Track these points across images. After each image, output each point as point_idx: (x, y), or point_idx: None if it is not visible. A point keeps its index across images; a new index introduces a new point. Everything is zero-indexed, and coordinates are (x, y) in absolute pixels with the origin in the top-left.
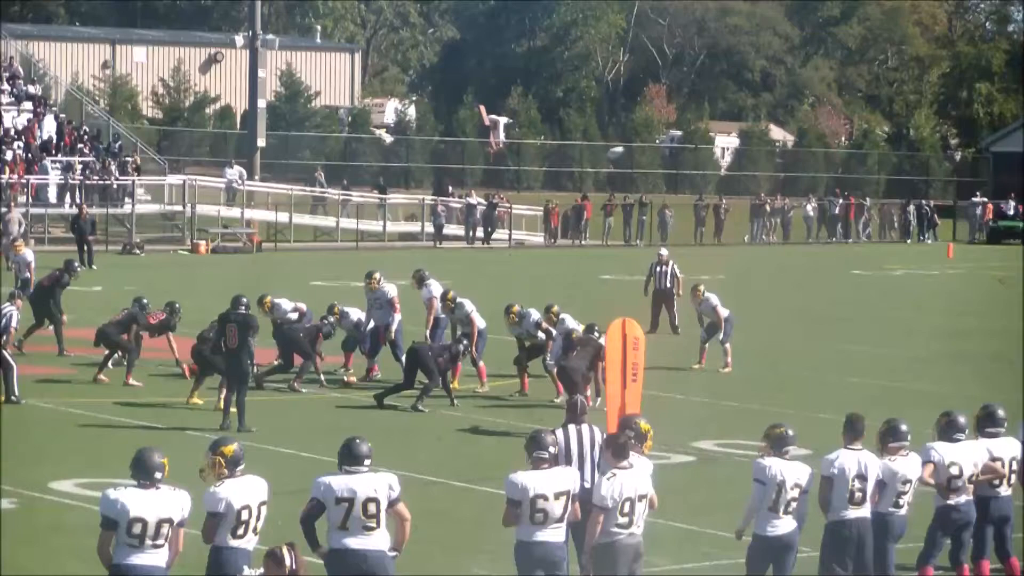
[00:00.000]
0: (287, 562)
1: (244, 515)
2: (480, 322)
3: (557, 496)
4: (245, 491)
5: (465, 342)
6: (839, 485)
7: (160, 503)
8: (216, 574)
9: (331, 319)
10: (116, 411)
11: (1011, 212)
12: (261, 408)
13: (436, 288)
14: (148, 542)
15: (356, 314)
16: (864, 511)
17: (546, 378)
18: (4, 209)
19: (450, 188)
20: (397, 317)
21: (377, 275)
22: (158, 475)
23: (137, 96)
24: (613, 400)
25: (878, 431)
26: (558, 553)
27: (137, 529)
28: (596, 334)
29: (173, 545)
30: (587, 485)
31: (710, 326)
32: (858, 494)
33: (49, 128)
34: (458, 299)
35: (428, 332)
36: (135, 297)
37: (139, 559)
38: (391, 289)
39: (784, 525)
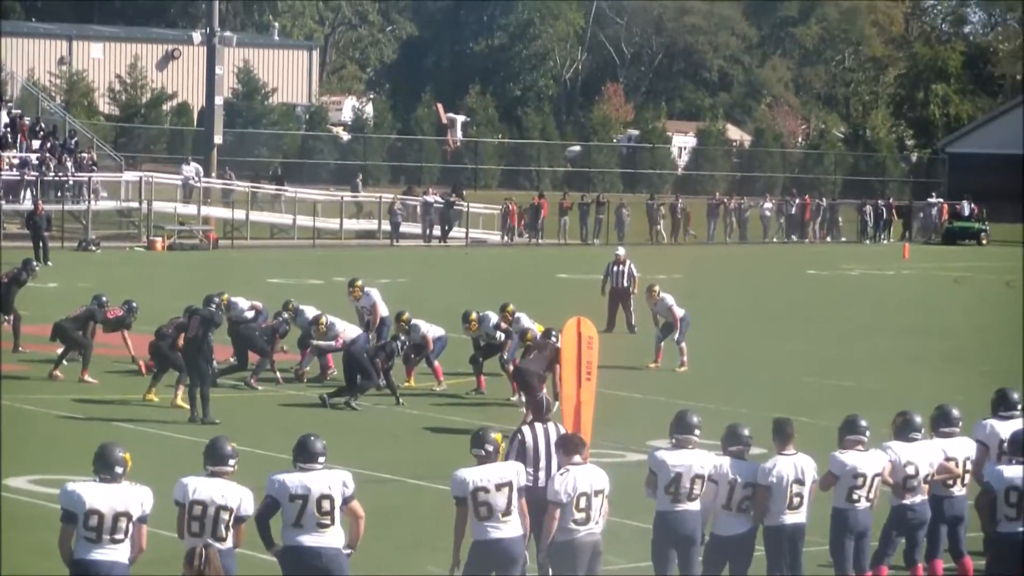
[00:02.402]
0: (194, 562)
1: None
2: (436, 333)
3: (499, 487)
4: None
5: (402, 338)
6: (777, 493)
7: (118, 497)
8: None
9: (285, 315)
10: (71, 407)
11: (966, 213)
12: (217, 405)
13: (376, 294)
14: (106, 536)
15: (311, 312)
16: (800, 516)
17: (502, 376)
18: None
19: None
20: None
21: (359, 283)
22: (119, 469)
23: (93, 92)
24: (568, 399)
25: (840, 426)
26: (514, 549)
27: (93, 522)
28: (554, 338)
29: (136, 541)
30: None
31: (665, 326)
32: (796, 499)
33: (2, 123)
34: (412, 321)
35: (374, 333)
36: (95, 295)
37: (98, 554)
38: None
39: (739, 524)
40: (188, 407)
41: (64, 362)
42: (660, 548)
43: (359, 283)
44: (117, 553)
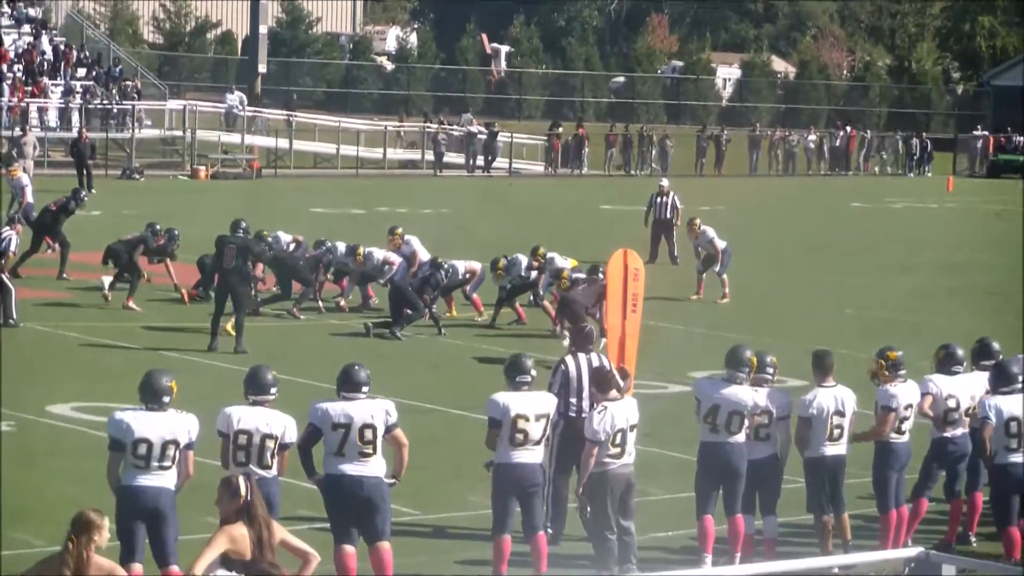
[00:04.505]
0: (242, 491)
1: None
2: (475, 267)
3: (538, 418)
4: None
5: (445, 266)
6: (818, 425)
7: (166, 425)
8: None
9: (328, 244)
10: (114, 334)
11: (1013, 146)
12: (260, 334)
13: (416, 241)
14: (154, 463)
15: (342, 246)
16: (841, 448)
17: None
18: (19, 132)
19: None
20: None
21: (400, 230)
22: (165, 398)
23: (138, 20)
24: (613, 331)
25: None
26: (535, 475)
27: (142, 450)
28: (601, 275)
29: (183, 468)
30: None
31: (707, 258)
32: (836, 431)
33: (46, 51)
34: (446, 263)
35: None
36: (149, 222)
37: (146, 480)
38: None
39: (759, 450)
40: (232, 333)
41: (106, 289)
42: (703, 479)
43: (399, 231)
44: (164, 479)
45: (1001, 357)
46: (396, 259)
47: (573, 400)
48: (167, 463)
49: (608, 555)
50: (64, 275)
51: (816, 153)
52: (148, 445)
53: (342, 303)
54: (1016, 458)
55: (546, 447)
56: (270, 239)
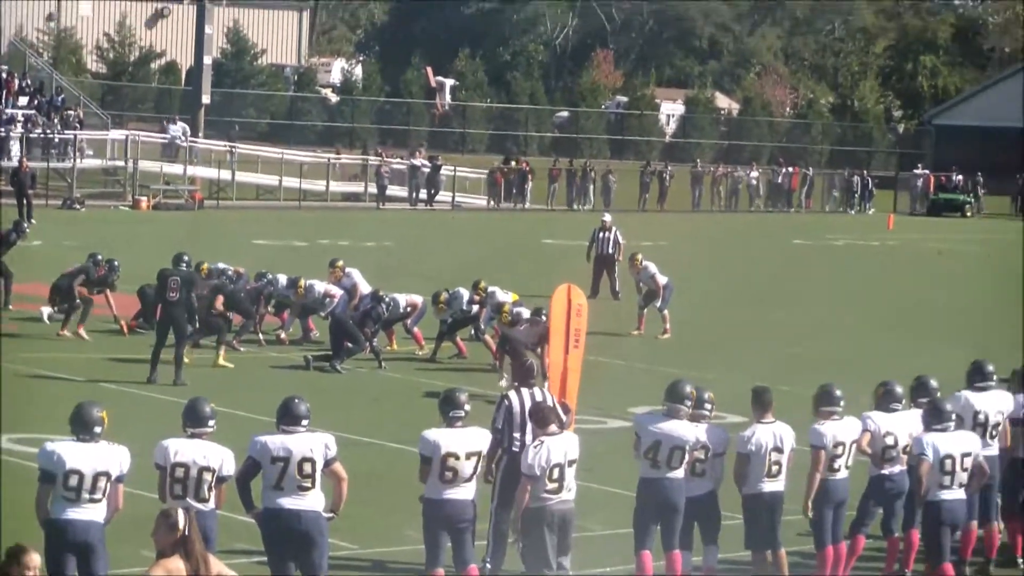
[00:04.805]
0: (180, 524)
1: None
2: (417, 301)
3: (468, 456)
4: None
5: (386, 299)
6: (756, 461)
7: (97, 457)
8: None
9: (270, 276)
10: (52, 365)
11: (953, 185)
12: (200, 366)
13: (357, 274)
14: (85, 495)
15: (283, 278)
16: (779, 484)
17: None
18: None
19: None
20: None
21: (340, 263)
22: (97, 429)
23: (81, 50)
24: (555, 367)
25: (813, 396)
26: (466, 511)
27: (73, 482)
28: (543, 317)
29: (112, 501)
30: None
31: (648, 293)
32: (774, 467)
33: None
34: (387, 297)
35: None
36: (91, 253)
37: (75, 513)
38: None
39: (697, 487)
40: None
41: (47, 319)
42: (641, 515)
43: (340, 263)
44: (94, 512)
45: (938, 395)
46: (337, 292)
47: (517, 435)
48: (98, 495)
49: None
50: (9, 306)
51: (757, 189)
52: (80, 476)
53: (283, 336)
54: (947, 495)
55: (486, 481)
56: (230, 273)
